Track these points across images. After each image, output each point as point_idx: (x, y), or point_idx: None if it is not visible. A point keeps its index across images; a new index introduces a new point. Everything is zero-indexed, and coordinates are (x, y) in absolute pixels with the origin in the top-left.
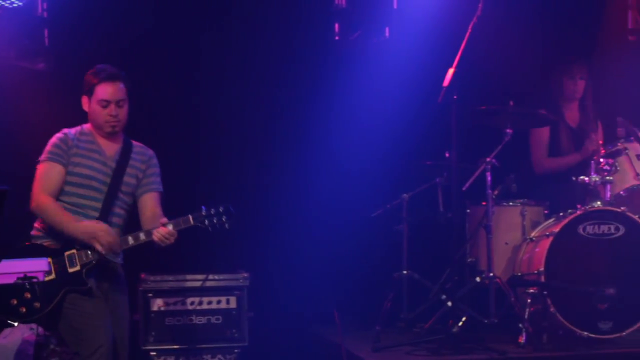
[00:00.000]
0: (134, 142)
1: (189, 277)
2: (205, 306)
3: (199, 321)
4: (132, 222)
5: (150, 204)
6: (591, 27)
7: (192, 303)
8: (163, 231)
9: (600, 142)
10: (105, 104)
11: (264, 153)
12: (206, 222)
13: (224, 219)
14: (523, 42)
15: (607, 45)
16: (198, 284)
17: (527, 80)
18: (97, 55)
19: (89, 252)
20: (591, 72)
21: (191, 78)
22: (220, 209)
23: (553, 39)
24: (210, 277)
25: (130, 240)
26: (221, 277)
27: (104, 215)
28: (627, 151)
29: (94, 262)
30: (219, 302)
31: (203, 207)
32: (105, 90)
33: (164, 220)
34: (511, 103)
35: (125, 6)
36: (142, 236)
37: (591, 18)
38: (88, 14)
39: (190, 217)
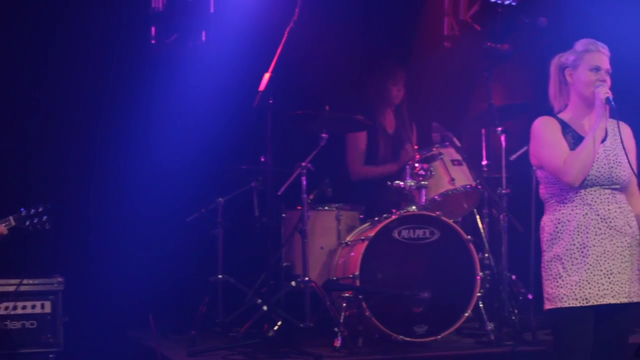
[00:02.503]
0: None
1: (2, 281)
2: (19, 311)
3: (14, 326)
4: None
5: None
6: (408, 32)
7: (6, 308)
8: None
9: (416, 147)
10: None
11: (82, 155)
12: (27, 222)
13: (44, 219)
14: (340, 47)
15: (423, 50)
16: (12, 288)
17: (344, 85)
18: None
19: None
20: (408, 77)
21: (7, 77)
22: (40, 209)
23: (370, 44)
24: (25, 281)
25: None
26: (36, 281)
27: None
28: (442, 156)
29: None
30: (33, 306)
31: (22, 209)
32: None
33: None
34: (327, 108)
35: None
36: None
37: (408, 24)
38: None
39: (12, 218)
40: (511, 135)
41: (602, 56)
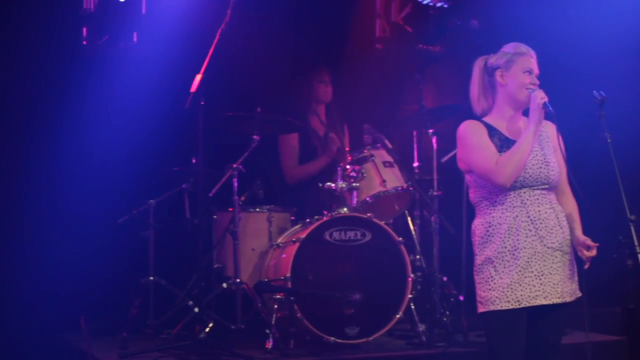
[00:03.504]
0: None
1: None
2: None
3: None
4: None
5: None
6: (340, 34)
7: None
8: None
9: (347, 148)
10: None
11: (12, 156)
12: None
13: None
14: (272, 48)
15: (355, 52)
16: None
17: (276, 87)
18: None
19: None
20: (339, 78)
21: None
22: None
23: (302, 45)
24: None
25: None
26: None
27: None
28: (373, 158)
29: None
30: None
31: None
32: None
33: None
34: (258, 109)
35: None
36: None
37: (340, 25)
38: None
39: None
40: (442, 137)
41: (532, 60)
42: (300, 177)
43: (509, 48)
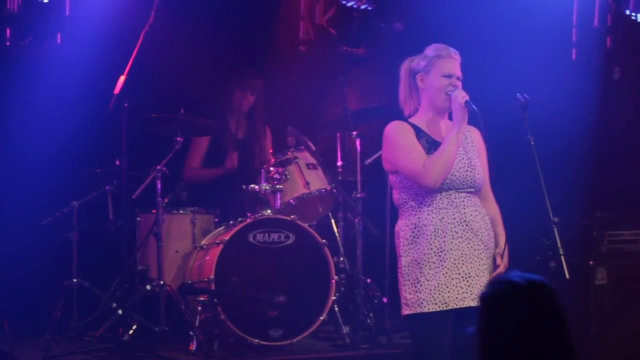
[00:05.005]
0: None
1: None
2: None
3: None
4: None
5: None
6: (264, 36)
7: None
8: None
9: (271, 150)
10: None
11: None
12: None
13: None
14: (197, 50)
15: (279, 54)
16: None
17: (200, 89)
18: None
19: None
20: (263, 81)
21: None
22: None
23: (227, 47)
24: None
25: None
26: None
27: None
28: (297, 160)
29: None
30: None
31: None
32: None
33: None
34: (182, 111)
35: None
36: None
37: (264, 27)
38: None
39: None
40: (366, 139)
41: (454, 62)
42: (195, 178)
43: (429, 51)
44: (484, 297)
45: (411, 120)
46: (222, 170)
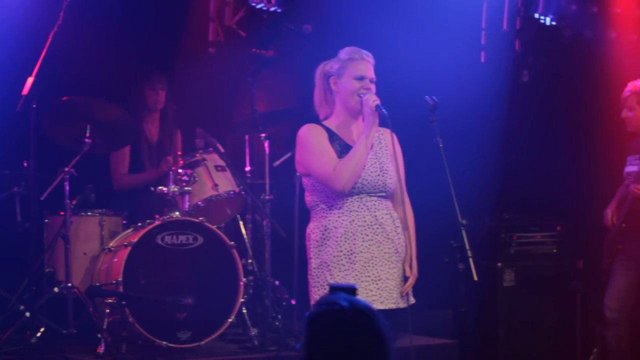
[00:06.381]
0: None
1: None
2: None
3: None
4: None
5: None
6: (174, 38)
7: None
8: None
9: (179, 152)
10: None
11: None
12: None
13: None
14: (106, 51)
15: (188, 56)
16: None
17: (110, 91)
18: None
19: None
20: (172, 83)
21: None
22: None
23: (136, 49)
24: None
25: None
26: None
27: None
28: (205, 162)
29: None
30: None
31: None
32: None
33: None
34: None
35: None
36: None
37: (174, 29)
38: None
39: None
40: (275, 142)
41: (367, 65)
42: (128, 185)
43: (343, 54)
44: (310, 318)
45: (325, 122)
46: (155, 174)
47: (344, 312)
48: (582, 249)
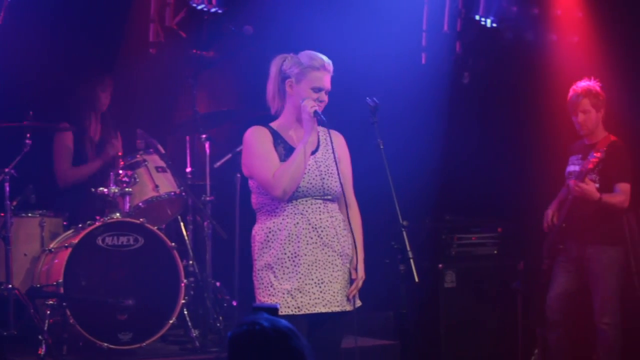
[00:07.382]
0: None
1: None
2: None
3: None
4: None
5: None
6: (115, 38)
7: None
8: None
9: (120, 153)
10: None
11: None
12: None
13: None
14: (48, 52)
15: (129, 57)
16: None
17: (51, 90)
18: None
19: None
20: (114, 83)
21: None
22: None
23: (78, 49)
24: None
25: None
26: None
27: None
28: (146, 163)
29: None
30: None
31: None
32: None
33: None
34: (31, 113)
35: None
36: None
37: (115, 30)
38: None
39: None
40: (215, 143)
41: (326, 76)
42: (72, 180)
43: (304, 58)
44: (231, 338)
45: (272, 124)
46: (99, 162)
47: (265, 332)
48: (523, 250)
